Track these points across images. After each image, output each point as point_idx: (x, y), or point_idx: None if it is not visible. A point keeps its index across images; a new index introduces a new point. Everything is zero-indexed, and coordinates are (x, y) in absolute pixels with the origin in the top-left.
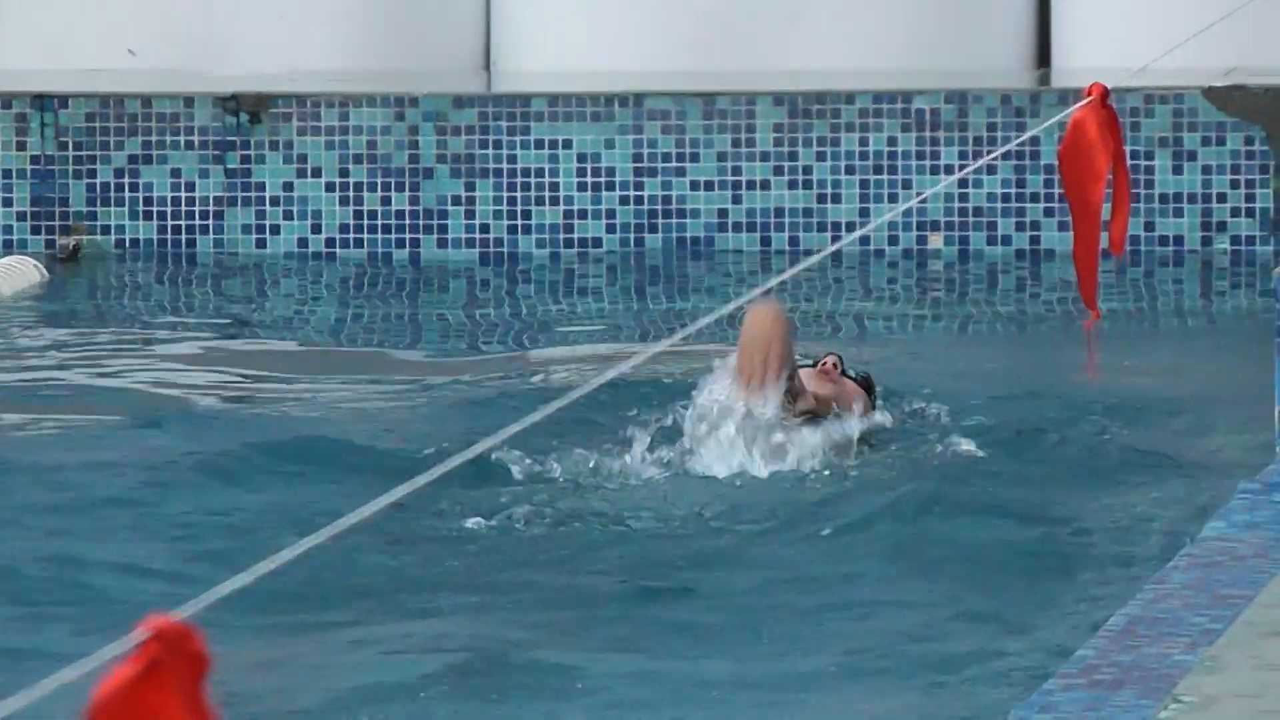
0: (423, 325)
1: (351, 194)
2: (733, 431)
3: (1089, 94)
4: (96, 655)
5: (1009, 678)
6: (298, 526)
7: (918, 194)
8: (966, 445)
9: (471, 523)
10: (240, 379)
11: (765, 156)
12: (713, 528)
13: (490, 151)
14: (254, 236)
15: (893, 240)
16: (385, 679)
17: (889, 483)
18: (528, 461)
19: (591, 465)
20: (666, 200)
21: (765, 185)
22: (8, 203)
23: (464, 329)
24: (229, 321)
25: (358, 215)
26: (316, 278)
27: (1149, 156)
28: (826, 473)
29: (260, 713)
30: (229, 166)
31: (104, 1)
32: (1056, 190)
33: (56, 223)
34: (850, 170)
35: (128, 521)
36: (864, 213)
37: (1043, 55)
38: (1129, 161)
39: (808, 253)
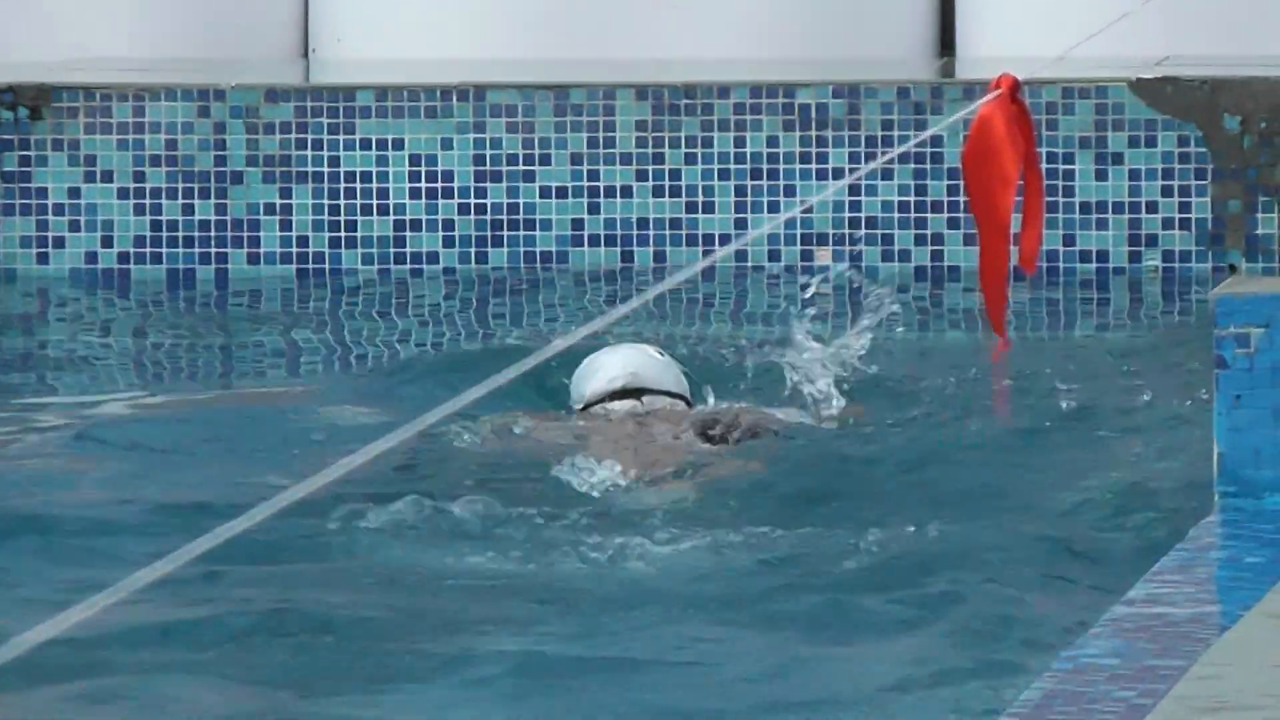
0: (232, 352)
1: (149, 201)
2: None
3: (997, 86)
4: None
5: None
6: (77, 588)
7: (802, 202)
8: (846, 503)
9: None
10: (14, 418)
11: (627, 159)
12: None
13: (309, 153)
14: (34, 250)
15: (773, 255)
16: None
17: (772, 558)
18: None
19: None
20: (513, 209)
21: (627, 192)
22: None
23: (280, 356)
24: (3, 352)
25: (155, 226)
26: (108, 299)
27: (1068, 159)
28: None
29: None
30: (5, 169)
31: None
32: (961, 198)
33: None
34: (724, 175)
35: None
36: (740, 224)
37: (945, 43)
38: (1044, 165)
39: (675, 269)
